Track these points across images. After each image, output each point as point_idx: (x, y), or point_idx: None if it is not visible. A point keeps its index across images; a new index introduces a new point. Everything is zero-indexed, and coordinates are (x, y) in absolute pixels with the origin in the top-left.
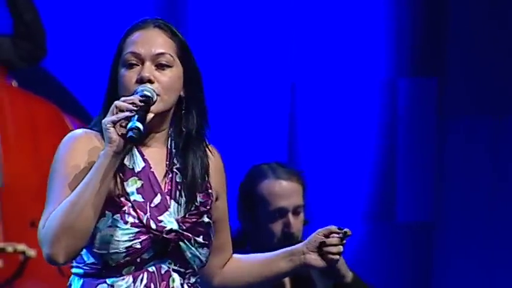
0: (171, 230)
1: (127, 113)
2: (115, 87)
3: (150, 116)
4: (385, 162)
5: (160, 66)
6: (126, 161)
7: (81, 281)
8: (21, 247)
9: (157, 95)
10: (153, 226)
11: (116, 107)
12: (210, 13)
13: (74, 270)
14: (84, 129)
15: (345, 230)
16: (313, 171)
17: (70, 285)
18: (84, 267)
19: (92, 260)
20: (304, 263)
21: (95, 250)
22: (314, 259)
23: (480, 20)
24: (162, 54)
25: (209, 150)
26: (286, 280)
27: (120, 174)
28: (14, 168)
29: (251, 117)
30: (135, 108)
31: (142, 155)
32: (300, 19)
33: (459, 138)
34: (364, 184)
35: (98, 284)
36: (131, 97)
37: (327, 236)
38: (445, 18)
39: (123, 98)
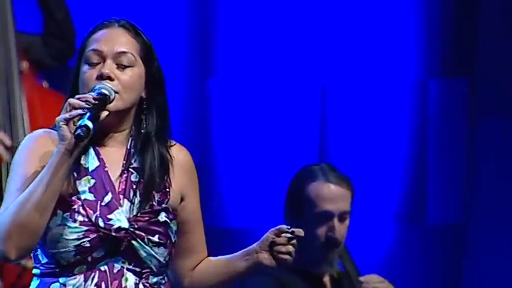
0: (119, 228)
1: (79, 111)
2: (77, 85)
3: (104, 113)
4: (416, 163)
5: (121, 65)
6: (82, 161)
7: (38, 281)
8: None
9: (115, 92)
10: (101, 224)
11: (70, 105)
12: (241, 14)
13: (33, 271)
14: (45, 130)
15: (294, 229)
16: (346, 174)
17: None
18: (41, 267)
19: (46, 259)
20: (257, 261)
21: (47, 250)
22: (266, 258)
23: (511, 19)
24: (124, 53)
25: (174, 150)
26: (327, 280)
27: (74, 173)
28: None
29: (282, 120)
30: (87, 106)
31: (98, 155)
32: (330, 21)
33: (490, 139)
34: (395, 186)
35: (51, 283)
36: (86, 95)
37: (278, 235)
38: (476, 18)
39: (77, 96)
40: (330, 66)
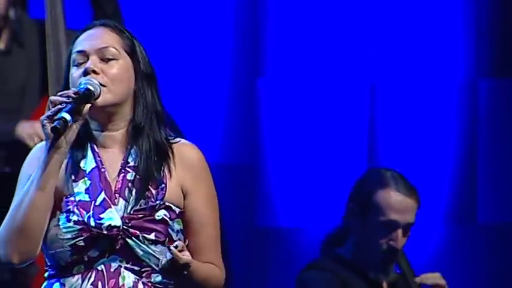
0: (110, 226)
1: (59, 106)
2: (68, 88)
3: (87, 106)
4: (466, 163)
5: (106, 59)
6: (82, 163)
7: (46, 282)
8: None
9: (103, 86)
10: (92, 223)
11: (51, 102)
12: (290, 13)
13: (45, 274)
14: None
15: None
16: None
17: None
18: (48, 269)
19: (49, 261)
20: None
21: (47, 251)
22: None
23: None
24: (106, 47)
25: (177, 146)
26: (385, 285)
27: (72, 176)
28: None
29: (331, 119)
30: (68, 101)
31: (97, 156)
32: (380, 19)
33: None
34: (444, 185)
35: (53, 284)
36: (67, 91)
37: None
38: None
39: (59, 93)
40: (379, 65)
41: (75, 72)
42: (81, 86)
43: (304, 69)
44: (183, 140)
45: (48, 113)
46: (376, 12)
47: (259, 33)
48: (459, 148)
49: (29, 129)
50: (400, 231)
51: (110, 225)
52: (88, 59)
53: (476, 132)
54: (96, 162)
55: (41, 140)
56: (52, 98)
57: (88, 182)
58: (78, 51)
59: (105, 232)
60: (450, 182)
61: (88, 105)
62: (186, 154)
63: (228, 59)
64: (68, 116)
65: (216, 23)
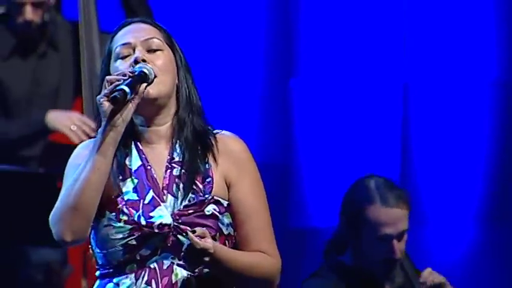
0: (161, 225)
1: (116, 82)
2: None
3: (143, 86)
4: (500, 162)
5: (152, 50)
6: (127, 161)
7: (98, 282)
8: None
9: (155, 76)
10: (143, 222)
11: (107, 81)
12: (322, 13)
13: (96, 273)
14: (91, 139)
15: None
16: (427, 172)
17: None
18: (100, 269)
19: (101, 261)
20: None
21: (99, 251)
22: None
23: None
24: (151, 38)
25: (219, 137)
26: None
27: (119, 175)
28: None
29: (364, 119)
30: (124, 78)
31: (141, 154)
32: (412, 19)
33: None
34: (478, 185)
35: (106, 284)
36: (122, 71)
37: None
38: None
39: (114, 73)
40: (412, 65)
41: (120, 64)
42: (138, 70)
43: (337, 69)
44: (224, 131)
45: (105, 91)
46: (408, 12)
47: (292, 33)
48: (493, 147)
49: (65, 120)
50: (395, 242)
51: (161, 223)
52: (133, 51)
53: (511, 131)
54: (141, 160)
55: (86, 133)
56: (108, 77)
57: (135, 181)
58: (123, 44)
59: (156, 230)
60: (484, 181)
61: (144, 85)
62: (229, 145)
63: (261, 60)
64: (127, 89)
65: (249, 23)
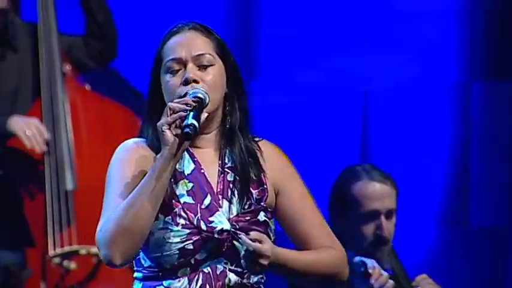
0: (222, 230)
1: (181, 113)
2: (158, 95)
3: (204, 115)
4: (459, 166)
5: (202, 67)
6: (177, 165)
7: (141, 284)
8: (94, 249)
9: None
10: (204, 227)
11: (170, 109)
12: (283, 17)
13: (135, 274)
14: (134, 140)
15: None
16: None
17: None
18: (143, 271)
19: (148, 263)
20: None
21: (150, 254)
22: None
23: None
24: (202, 55)
25: (260, 144)
26: None
27: (171, 178)
28: (87, 171)
29: (324, 123)
30: (189, 108)
31: (192, 157)
32: (371, 24)
33: None
34: (437, 189)
35: (155, 287)
36: (184, 98)
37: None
38: None
39: (175, 100)
40: (371, 70)
41: (170, 79)
42: (192, 95)
43: (298, 73)
44: (264, 139)
45: (167, 119)
46: (369, 17)
47: (252, 36)
48: (452, 152)
49: (22, 124)
50: (383, 218)
51: (222, 229)
52: (184, 66)
53: (469, 135)
54: (194, 163)
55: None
56: (171, 105)
57: (190, 185)
58: (174, 59)
59: (216, 236)
60: (443, 186)
61: (205, 115)
62: (272, 152)
63: None
64: (196, 123)
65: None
